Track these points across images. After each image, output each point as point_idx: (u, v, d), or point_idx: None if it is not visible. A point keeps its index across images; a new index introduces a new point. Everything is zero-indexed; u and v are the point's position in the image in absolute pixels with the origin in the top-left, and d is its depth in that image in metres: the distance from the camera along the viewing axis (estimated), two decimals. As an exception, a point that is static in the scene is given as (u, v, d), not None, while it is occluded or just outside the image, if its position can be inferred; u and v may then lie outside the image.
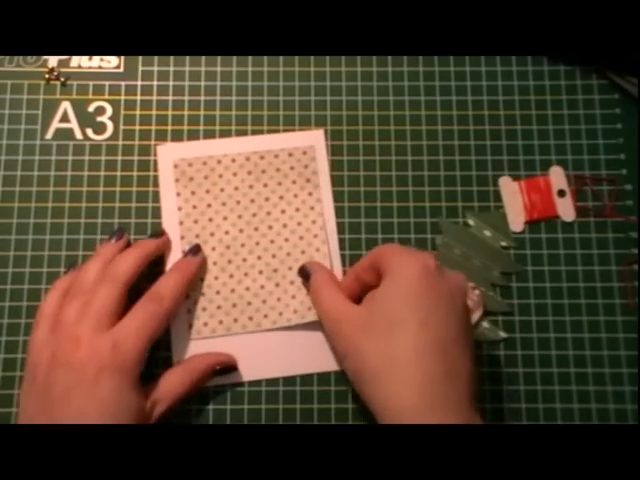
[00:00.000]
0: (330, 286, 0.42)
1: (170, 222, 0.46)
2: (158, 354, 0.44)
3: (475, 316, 0.45)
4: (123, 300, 0.40)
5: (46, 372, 0.37)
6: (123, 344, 0.38)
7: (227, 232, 0.46)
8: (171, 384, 0.41)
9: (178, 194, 0.47)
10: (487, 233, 0.47)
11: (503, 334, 0.45)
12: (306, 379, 0.44)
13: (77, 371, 0.37)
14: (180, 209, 0.46)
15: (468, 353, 0.37)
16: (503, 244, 0.47)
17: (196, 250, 0.45)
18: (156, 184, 0.47)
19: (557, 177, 0.48)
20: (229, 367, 0.43)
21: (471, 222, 0.47)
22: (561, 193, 0.48)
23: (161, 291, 0.42)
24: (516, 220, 0.47)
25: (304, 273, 0.44)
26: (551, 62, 0.50)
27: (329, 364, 0.44)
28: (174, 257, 0.45)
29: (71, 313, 0.39)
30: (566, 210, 0.47)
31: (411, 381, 0.35)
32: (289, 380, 0.44)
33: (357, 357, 0.38)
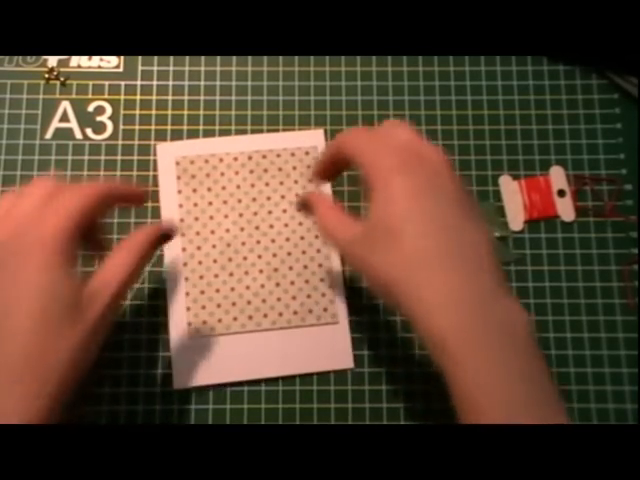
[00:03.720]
0: (332, 213, 0.40)
1: (170, 220, 0.46)
2: (157, 354, 0.44)
3: None
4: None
5: None
6: (50, 218, 0.34)
7: (228, 230, 0.46)
8: (112, 266, 0.36)
9: (179, 191, 0.47)
10: None
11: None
12: (306, 379, 0.44)
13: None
14: (181, 206, 0.46)
15: (474, 226, 0.35)
16: (497, 235, 0.47)
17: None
18: (156, 184, 0.47)
19: (557, 177, 0.48)
20: (169, 233, 0.40)
21: None
22: (561, 193, 0.48)
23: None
24: (516, 219, 0.47)
25: (304, 204, 0.42)
26: (551, 62, 0.50)
27: (329, 364, 0.44)
28: (174, 267, 0.46)
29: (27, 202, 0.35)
30: (566, 210, 0.47)
31: (431, 281, 0.34)
32: (288, 380, 0.44)
33: (370, 274, 0.37)
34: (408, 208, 0.35)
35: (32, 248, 0.34)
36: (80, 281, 0.35)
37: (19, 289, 0.34)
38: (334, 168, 0.41)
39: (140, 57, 0.50)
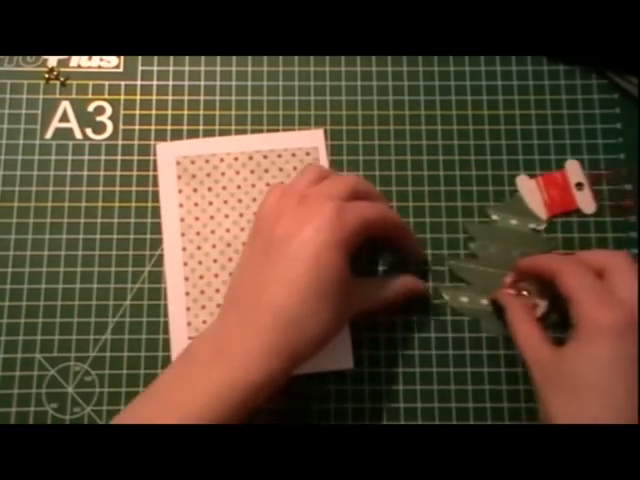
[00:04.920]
0: (524, 323, 0.41)
1: (170, 219, 0.46)
2: (157, 354, 0.44)
3: (541, 308, 0.44)
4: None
5: (272, 222, 0.38)
6: (346, 213, 0.38)
7: (228, 230, 0.46)
8: (383, 287, 0.42)
9: (180, 191, 0.47)
10: (513, 222, 0.47)
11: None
12: (306, 379, 0.44)
13: (299, 222, 0.37)
14: (181, 206, 0.46)
15: None
16: (532, 226, 0.47)
17: None
18: (155, 184, 0.47)
19: (573, 170, 0.48)
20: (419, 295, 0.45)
21: (495, 217, 0.47)
22: (579, 186, 0.47)
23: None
24: (538, 217, 0.47)
25: (496, 305, 0.44)
26: (551, 62, 0.50)
27: (329, 364, 0.44)
28: (174, 267, 0.45)
29: (302, 182, 0.40)
30: (586, 202, 0.47)
31: None
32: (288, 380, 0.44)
33: (541, 405, 0.38)
34: (603, 376, 0.36)
35: (326, 229, 0.37)
36: (351, 277, 0.38)
37: (304, 256, 0.37)
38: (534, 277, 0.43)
39: (140, 57, 0.50)
